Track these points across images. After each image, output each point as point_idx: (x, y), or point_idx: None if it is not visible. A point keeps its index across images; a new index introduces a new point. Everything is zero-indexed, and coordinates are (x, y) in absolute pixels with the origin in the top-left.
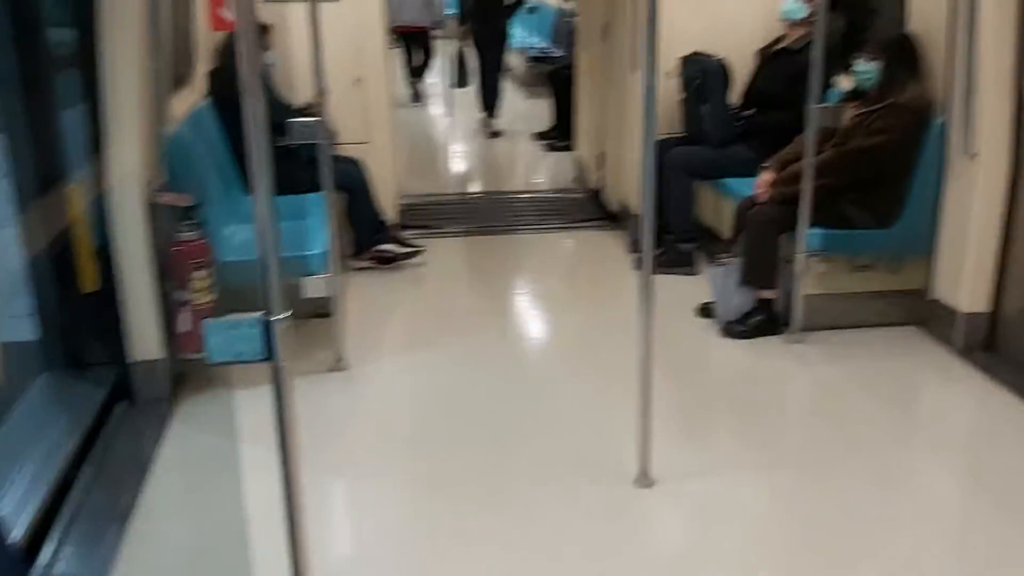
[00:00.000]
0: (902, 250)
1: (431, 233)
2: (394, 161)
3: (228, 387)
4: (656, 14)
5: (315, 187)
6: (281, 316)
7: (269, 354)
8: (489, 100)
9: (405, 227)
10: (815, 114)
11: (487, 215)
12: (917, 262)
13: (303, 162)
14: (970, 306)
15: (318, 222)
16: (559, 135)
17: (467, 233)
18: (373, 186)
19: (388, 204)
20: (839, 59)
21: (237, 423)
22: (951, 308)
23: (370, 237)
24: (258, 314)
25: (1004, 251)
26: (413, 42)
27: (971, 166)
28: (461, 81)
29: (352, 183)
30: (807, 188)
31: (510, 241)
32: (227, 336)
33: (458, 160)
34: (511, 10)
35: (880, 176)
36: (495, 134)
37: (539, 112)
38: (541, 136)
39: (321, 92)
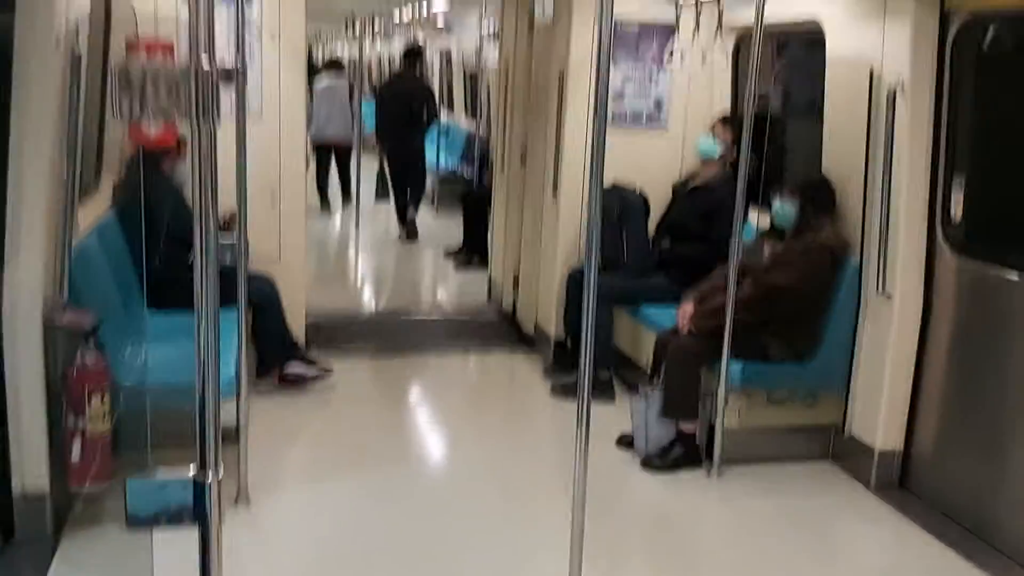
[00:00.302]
0: (818, 385)
1: (340, 353)
2: (305, 279)
3: (119, 524)
4: (604, 149)
5: (223, 303)
6: (217, 476)
7: (199, 518)
8: (406, 212)
9: (313, 346)
10: (737, 250)
11: (398, 334)
12: (832, 397)
13: None
14: (884, 444)
15: (226, 342)
16: (470, 254)
17: (377, 353)
18: (283, 304)
19: (296, 322)
20: (751, 196)
21: (128, 566)
22: (866, 445)
23: (278, 357)
24: (189, 472)
25: (916, 391)
26: (332, 156)
27: (885, 306)
28: (382, 195)
29: (262, 300)
30: (728, 322)
31: (422, 363)
32: (153, 496)
33: (368, 276)
34: (425, 127)
35: (797, 312)
36: (411, 236)
37: (449, 230)
38: (452, 254)
39: (238, 208)
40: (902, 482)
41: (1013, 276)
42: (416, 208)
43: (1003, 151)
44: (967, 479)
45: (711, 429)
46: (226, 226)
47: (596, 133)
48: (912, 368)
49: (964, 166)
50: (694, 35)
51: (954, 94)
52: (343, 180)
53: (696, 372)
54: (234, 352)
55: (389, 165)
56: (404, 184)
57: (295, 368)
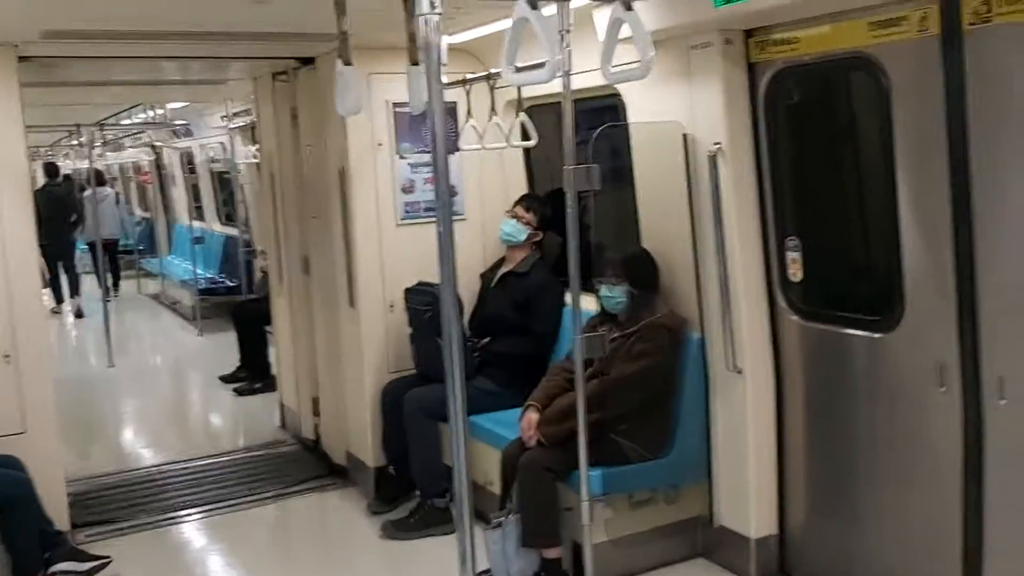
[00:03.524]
0: (679, 477)
1: (116, 530)
2: (60, 447)
3: None
4: (452, 242)
5: None
6: None
7: None
8: (59, 295)
9: (81, 526)
10: (581, 344)
11: (183, 489)
12: (692, 487)
13: None
14: (759, 531)
15: None
16: (251, 377)
17: (162, 520)
18: (36, 491)
19: (55, 503)
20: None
21: None
22: (739, 535)
23: (37, 559)
24: None
25: (781, 468)
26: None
27: (737, 382)
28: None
29: (9, 494)
30: (582, 425)
31: (218, 522)
32: None
33: (136, 417)
34: (73, 227)
35: (647, 402)
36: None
37: (218, 351)
38: (228, 379)
39: None
40: (782, 568)
41: (857, 334)
42: (78, 294)
43: (829, 205)
44: (847, 556)
45: (575, 548)
46: None
47: (442, 224)
48: (774, 445)
49: (795, 225)
50: (490, 115)
51: (773, 151)
52: (112, 269)
53: (553, 488)
54: None
55: (47, 260)
56: (58, 275)
57: (63, 567)
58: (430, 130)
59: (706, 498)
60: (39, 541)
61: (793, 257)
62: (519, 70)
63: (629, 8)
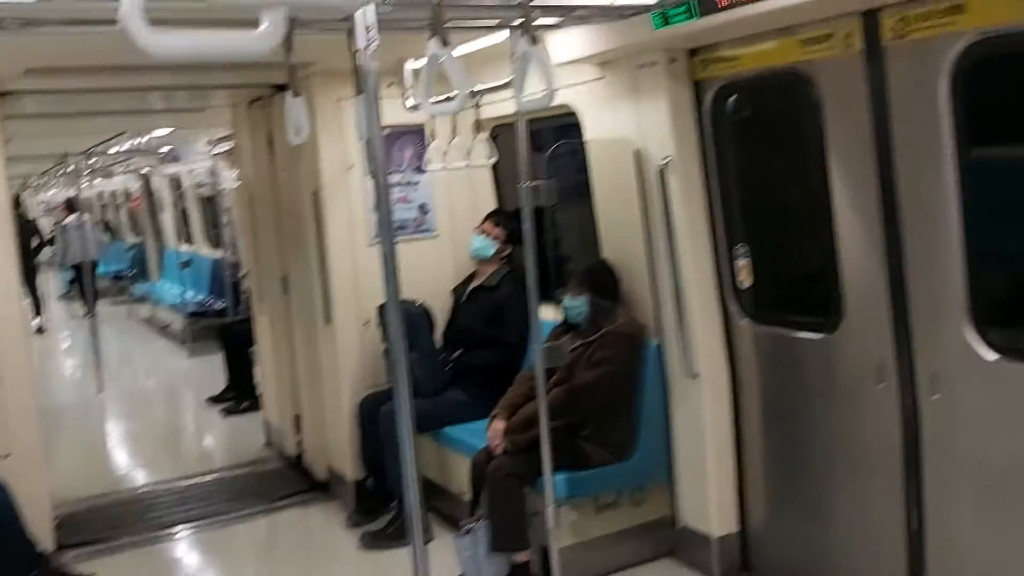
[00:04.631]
0: (642, 480)
1: (103, 549)
2: (44, 470)
3: None
4: (395, 265)
5: None
6: None
7: None
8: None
9: (67, 547)
10: (542, 354)
11: (170, 507)
12: (658, 489)
13: None
14: (720, 529)
15: None
16: (238, 397)
17: (149, 538)
18: (21, 512)
19: (42, 526)
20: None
21: None
22: (702, 534)
23: None
24: None
25: (740, 468)
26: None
27: (693, 386)
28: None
29: None
30: (545, 431)
31: (205, 539)
32: None
33: (122, 439)
34: (37, 251)
35: (609, 407)
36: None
37: (208, 374)
38: (216, 400)
39: None
40: (745, 564)
41: (803, 336)
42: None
43: (772, 213)
44: (805, 548)
45: (544, 552)
46: None
47: (385, 247)
48: (732, 446)
49: (743, 232)
50: (452, 134)
51: (719, 163)
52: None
53: (520, 494)
54: None
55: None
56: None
57: None
58: (369, 153)
59: (669, 499)
60: (27, 564)
61: (742, 264)
62: (435, 103)
63: (534, 43)
